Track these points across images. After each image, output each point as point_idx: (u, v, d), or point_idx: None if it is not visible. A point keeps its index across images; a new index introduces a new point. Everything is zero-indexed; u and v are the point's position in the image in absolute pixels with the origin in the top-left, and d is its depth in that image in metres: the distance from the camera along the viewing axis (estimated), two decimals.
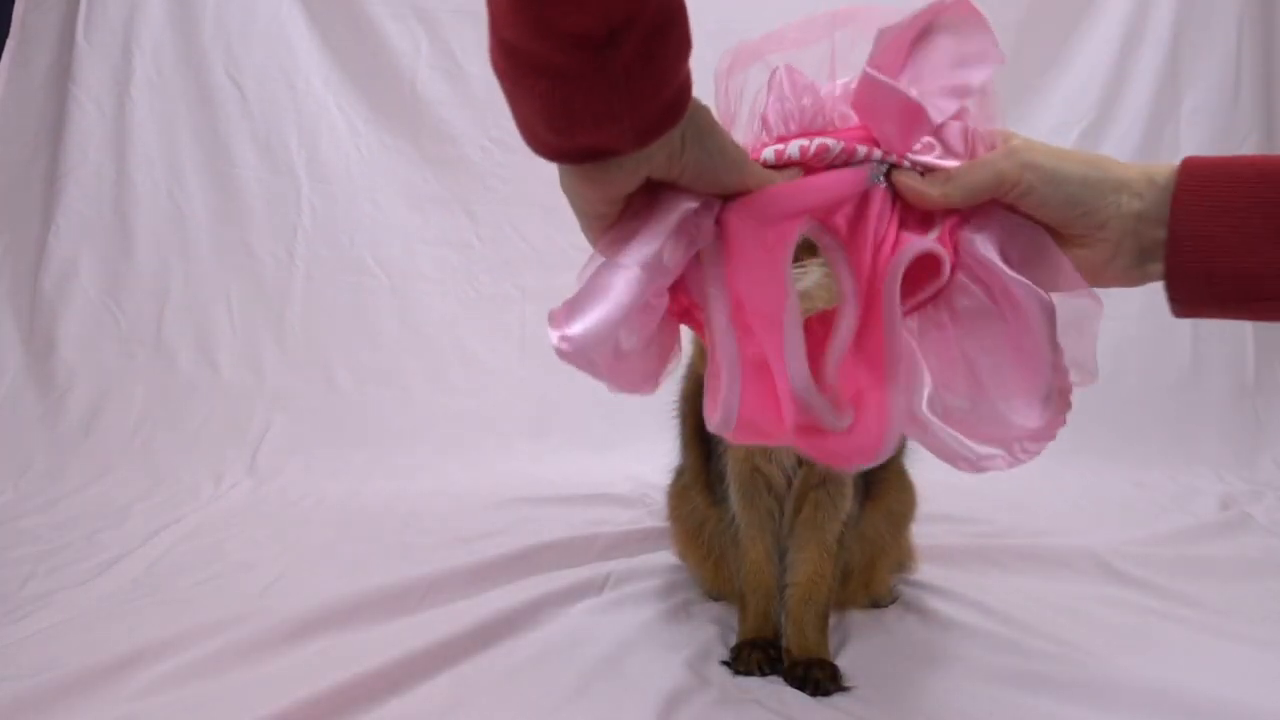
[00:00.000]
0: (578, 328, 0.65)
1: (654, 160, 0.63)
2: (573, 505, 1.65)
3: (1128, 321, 2.07)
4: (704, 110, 0.65)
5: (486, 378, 2.06)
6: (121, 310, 2.03)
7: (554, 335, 0.65)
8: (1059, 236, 0.70)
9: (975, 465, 0.67)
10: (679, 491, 1.25)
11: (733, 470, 1.09)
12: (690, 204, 0.66)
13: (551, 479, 1.79)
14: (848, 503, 1.07)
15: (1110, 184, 0.69)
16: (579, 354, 0.65)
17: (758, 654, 1.06)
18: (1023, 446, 0.68)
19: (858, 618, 1.20)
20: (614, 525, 1.51)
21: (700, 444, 1.18)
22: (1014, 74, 2.04)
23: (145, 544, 1.46)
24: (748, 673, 1.05)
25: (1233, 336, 2.08)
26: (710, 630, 1.17)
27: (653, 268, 0.64)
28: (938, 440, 0.67)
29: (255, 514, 1.64)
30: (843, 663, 1.07)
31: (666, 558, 1.40)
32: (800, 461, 1.05)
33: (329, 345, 2.07)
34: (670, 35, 0.59)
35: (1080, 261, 0.69)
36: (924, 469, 1.25)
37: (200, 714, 0.94)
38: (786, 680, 1.03)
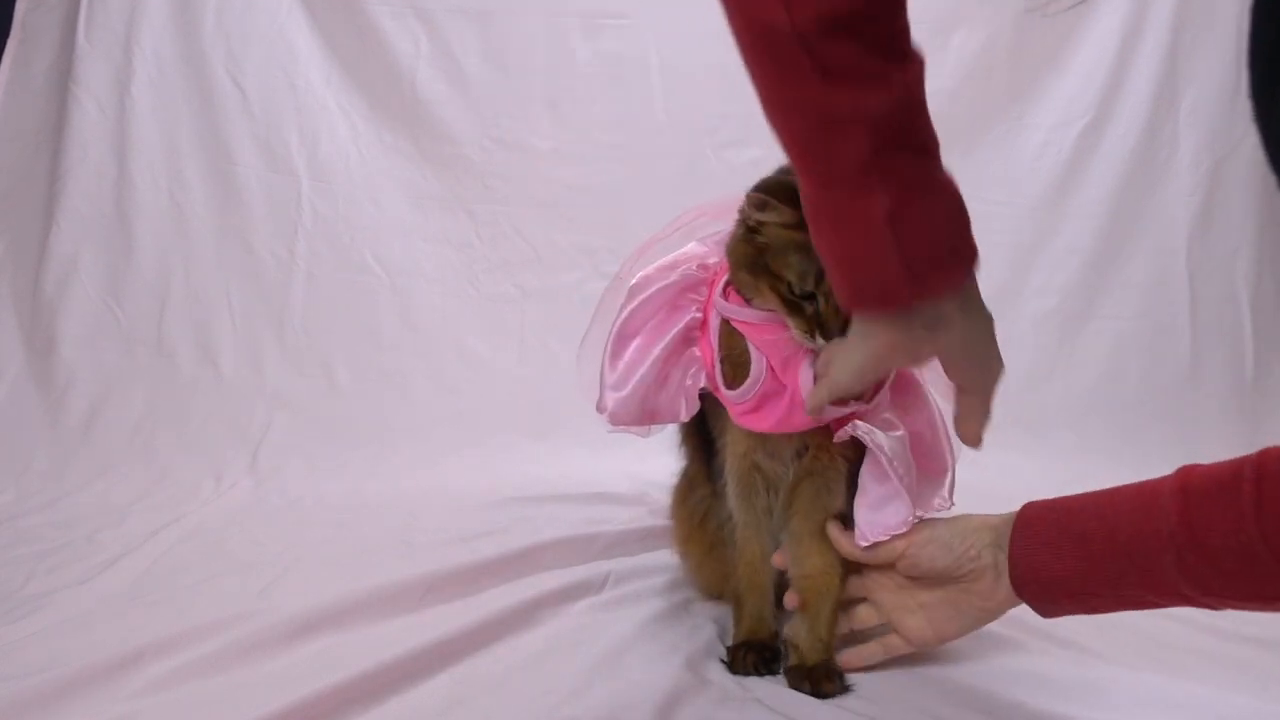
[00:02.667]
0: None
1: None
2: (572, 505, 1.65)
3: (1127, 321, 2.07)
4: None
5: (486, 377, 2.06)
6: (122, 310, 2.03)
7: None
8: (951, 591, 0.95)
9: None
10: (682, 486, 1.26)
11: (731, 467, 1.09)
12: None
13: (551, 479, 1.79)
14: (840, 494, 1.06)
15: (973, 528, 0.93)
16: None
17: (753, 655, 1.06)
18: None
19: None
20: (614, 524, 1.51)
21: (697, 438, 1.17)
22: (1013, 74, 2.05)
23: (146, 543, 1.46)
24: (744, 674, 1.05)
25: (1233, 336, 2.08)
26: (710, 629, 1.17)
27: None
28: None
29: (255, 513, 1.64)
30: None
31: (667, 557, 1.40)
32: (798, 454, 1.05)
33: (329, 344, 2.07)
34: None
35: (977, 596, 0.92)
36: None
37: (200, 714, 0.95)
38: (791, 683, 1.02)
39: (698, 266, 1.08)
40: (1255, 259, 2.08)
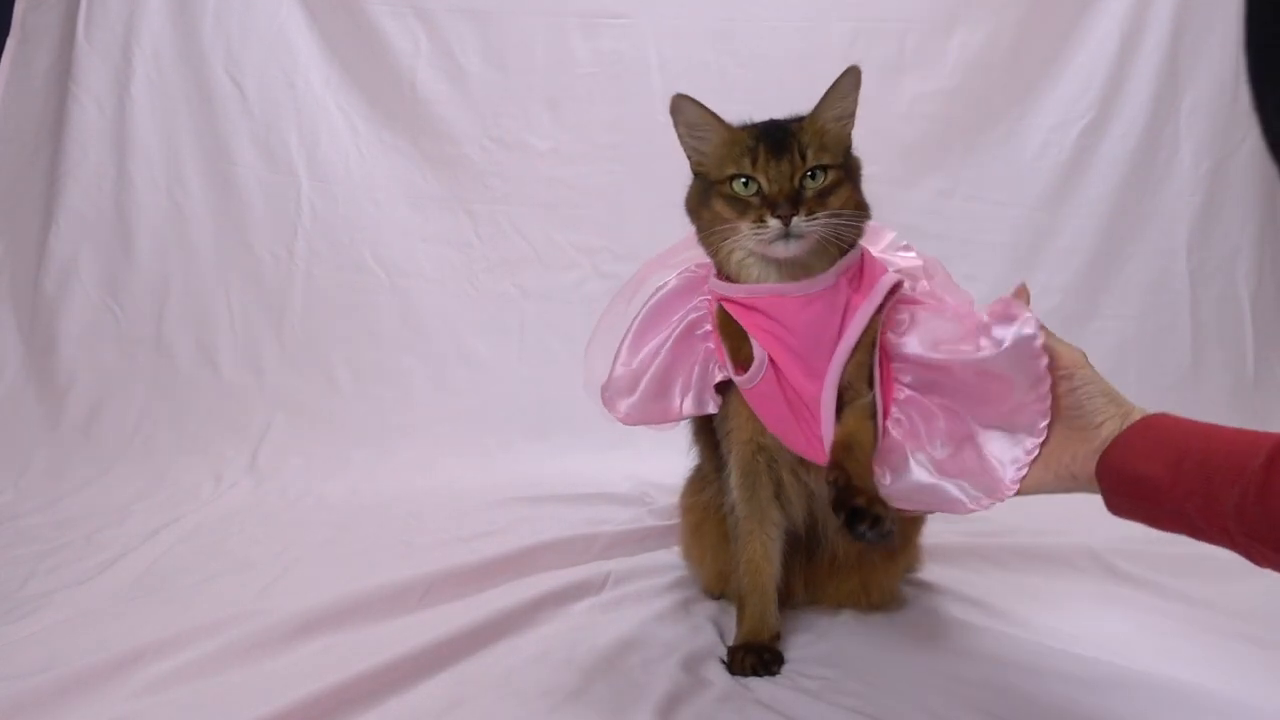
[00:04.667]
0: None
1: None
2: (572, 505, 1.65)
3: (1128, 321, 2.07)
4: None
5: (486, 377, 2.06)
6: (121, 310, 2.03)
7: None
8: (1076, 428, 0.93)
9: (970, 505, 0.90)
10: (695, 481, 1.26)
11: (735, 455, 1.09)
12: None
13: (551, 479, 1.79)
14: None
15: (1115, 397, 0.95)
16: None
17: (752, 657, 1.06)
18: (1005, 485, 0.90)
19: (858, 617, 1.20)
20: (614, 525, 1.51)
21: (707, 434, 1.18)
22: (1014, 73, 2.04)
23: (145, 543, 1.46)
24: (743, 675, 1.05)
25: (1233, 336, 2.08)
26: (710, 629, 1.17)
27: None
28: (942, 493, 0.90)
29: (255, 513, 1.64)
30: (844, 660, 1.07)
31: (666, 557, 1.40)
32: None
33: (329, 344, 2.07)
34: None
35: (1073, 456, 0.91)
36: None
37: (200, 713, 0.95)
38: (851, 530, 0.91)
39: (696, 265, 1.11)
40: (1255, 259, 2.09)
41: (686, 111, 1.04)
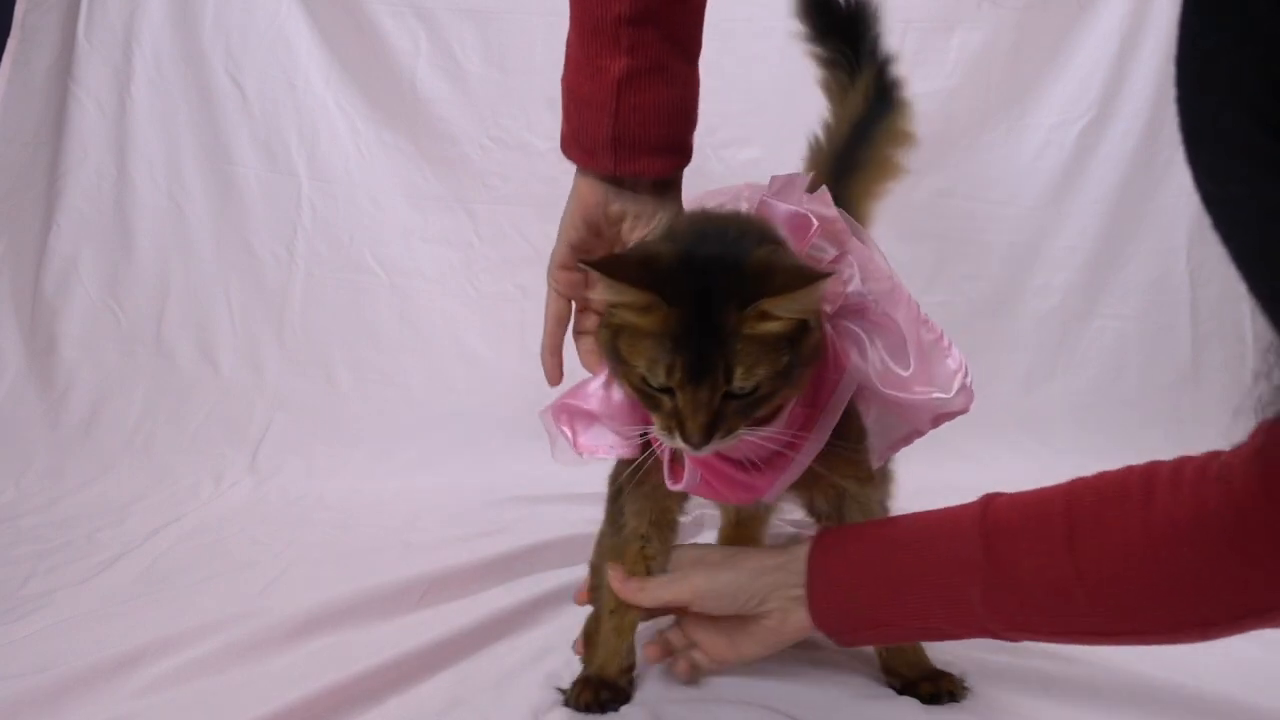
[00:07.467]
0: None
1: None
2: (573, 504, 1.64)
3: (1128, 321, 2.06)
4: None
5: (486, 377, 2.06)
6: (122, 309, 2.03)
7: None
8: (745, 621, 0.91)
9: (938, 409, 0.90)
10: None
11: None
12: None
13: (551, 479, 1.79)
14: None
15: (755, 571, 0.90)
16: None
17: (589, 692, 0.97)
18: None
19: None
20: None
21: None
22: (1013, 73, 2.04)
23: (145, 543, 1.46)
24: (581, 710, 0.96)
25: (1233, 336, 2.08)
26: None
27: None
28: (909, 400, 0.88)
29: (255, 513, 1.64)
30: (843, 660, 1.07)
31: None
32: None
33: (329, 344, 2.07)
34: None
35: (768, 631, 0.90)
36: (924, 469, 1.25)
37: (200, 713, 0.95)
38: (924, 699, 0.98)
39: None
40: None
41: (607, 290, 0.80)
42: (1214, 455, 0.67)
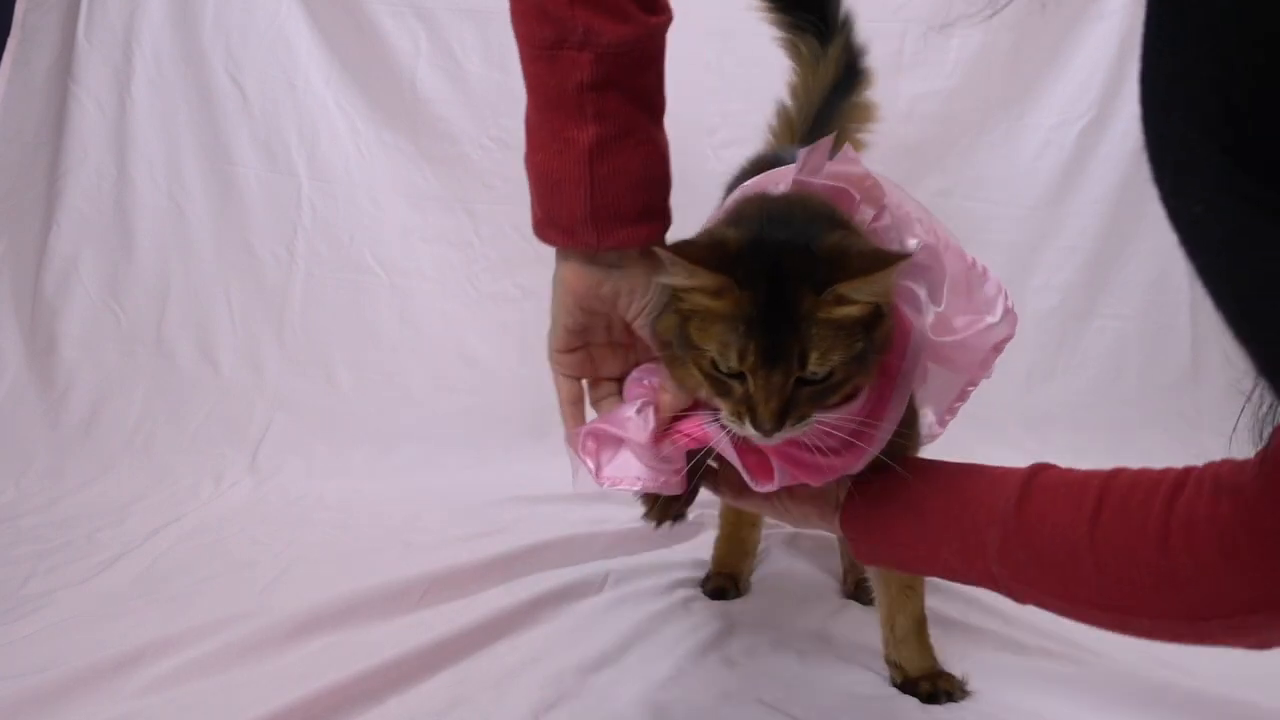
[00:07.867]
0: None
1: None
2: (573, 504, 1.64)
3: (1128, 321, 2.07)
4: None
5: (486, 377, 2.06)
6: (122, 309, 2.03)
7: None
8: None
9: (988, 341, 0.89)
10: None
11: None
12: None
13: (551, 479, 1.79)
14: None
15: None
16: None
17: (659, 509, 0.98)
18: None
19: (859, 615, 1.21)
20: (614, 524, 1.51)
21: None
22: (1014, 73, 2.04)
23: (145, 543, 1.46)
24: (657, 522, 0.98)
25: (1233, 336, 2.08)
26: (710, 629, 1.17)
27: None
28: (961, 342, 0.88)
29: (255, 513, 1.64)
30: (843, 660, 1.07)
31: (666, 556, 1.40)
32: None
33: (329, 344, 2.07)
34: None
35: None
36: None
37: (200, 713, 0.95)
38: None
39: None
40: None
41: (679, 275, 0.79)
42: (1243, 461, 0.69)
